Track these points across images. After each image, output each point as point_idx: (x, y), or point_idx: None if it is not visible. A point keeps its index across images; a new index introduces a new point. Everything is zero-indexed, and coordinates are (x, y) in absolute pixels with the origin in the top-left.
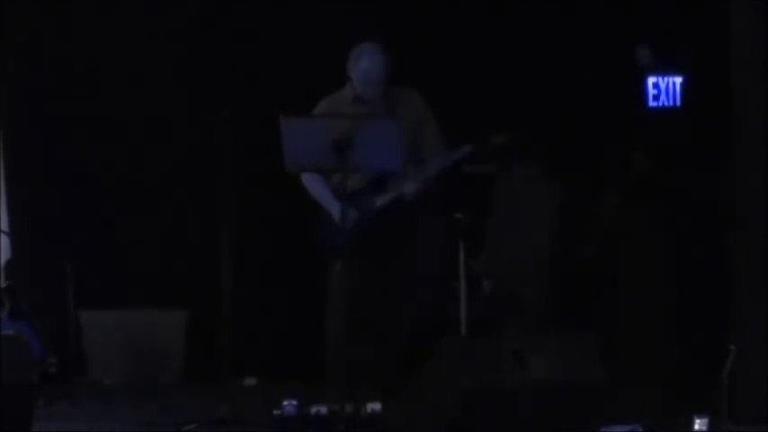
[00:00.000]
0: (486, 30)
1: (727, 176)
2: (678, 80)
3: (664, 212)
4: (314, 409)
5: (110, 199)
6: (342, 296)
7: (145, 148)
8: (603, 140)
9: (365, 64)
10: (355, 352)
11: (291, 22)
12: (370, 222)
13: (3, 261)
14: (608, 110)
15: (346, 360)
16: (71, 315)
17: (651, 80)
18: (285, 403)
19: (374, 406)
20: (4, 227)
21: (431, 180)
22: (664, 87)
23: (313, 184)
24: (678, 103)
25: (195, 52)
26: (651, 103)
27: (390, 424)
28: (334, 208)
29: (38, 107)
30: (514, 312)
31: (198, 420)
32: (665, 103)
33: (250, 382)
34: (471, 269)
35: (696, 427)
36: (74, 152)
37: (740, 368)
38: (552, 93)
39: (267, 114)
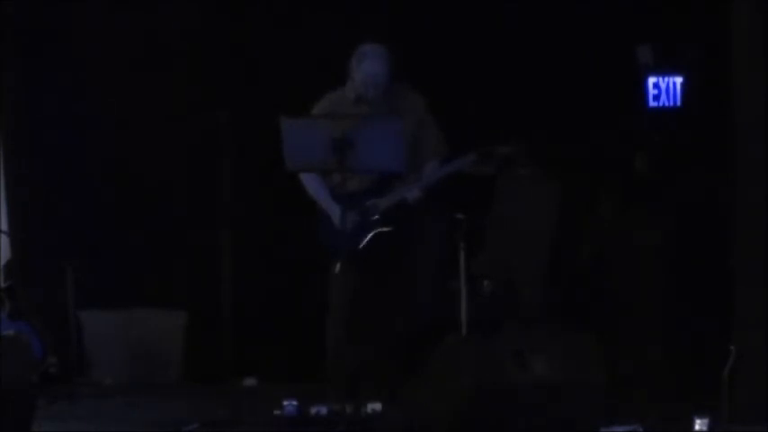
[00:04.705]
0: (487, 30)
1: (728, 176)
2: (678, 80)
3: (664, 212)
4: (314, 409)
5: (110, 199)
6: (341, 298)
7: (145, 148)
8: (603, 140)
9: (368, 66)
10: (355, 352)
11: (291, 22)
12: (371, 226)
13: (3, 261)
14: (608, 110)
15: (346, 361)
16: (71, 315)
17: (651, 80)
18: (285, 403)
19: (374, 406)
20: (4, 227)
21: (432, 187)
22: (664, 87)
23: (313, 185)
24: (678, 103)
25: (195, 52)
26: (651, 103)
27: (390, 424)
28: (333, 211)
29: (38, 108)
30: (514, 312)
31: (198, 421)
32: (665, 103)
33: (250, 382)
34: (471, 269)
35: (696, 427)
36: (74, 152)
37: (740, 368)
38: (552, 93)
39: (267, 114)
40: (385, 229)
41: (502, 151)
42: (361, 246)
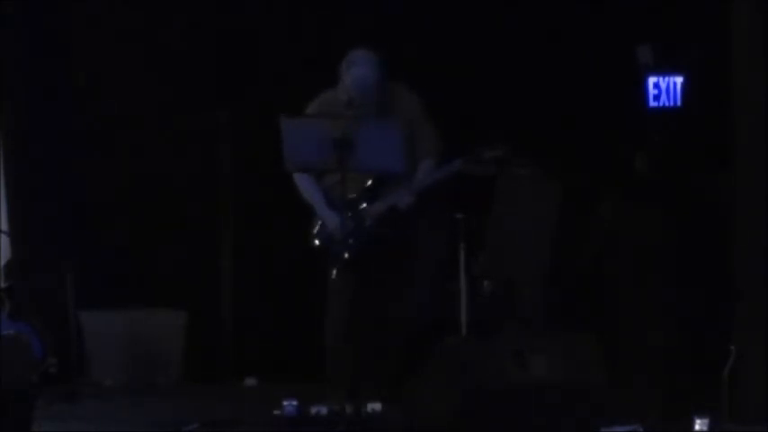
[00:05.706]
0: (487, 29)
1: (728, 176)
2: (678, 80)
3: (664, 213)
4: (314, 409)
5: (110, 199)
6: (340, 299)
7: (145, 149)
8: (603, 140)
9: (358, 72)
10: (355, 352)
11: (291, 22)
12: (365, 231)
13: (3, 261)
14: (608, 110)
15: (346, 361)
16: (71, 315)
17: (651, 80)
18: (285, 403)
19: (374, 406)
20: (4, 227)
21: (424, 192)
22: (664, 87)
23: (308, 188)
24: (678, 103)
25: (195, 52)
26: (651, 103)
27: (390, 424)
28: (327, 215)
29: (38, 109)
30: (515, 313)
31: (198, 421)
32: (666, 103)
33: (250, 382)
34: (471, 269)
35: (696, 427)
36: (74, 152)
37: (740, 368)
38: (553, 93)
39: (267, 114)
40: (380, 231)
41: (489, 155)
42: (356, 250)
